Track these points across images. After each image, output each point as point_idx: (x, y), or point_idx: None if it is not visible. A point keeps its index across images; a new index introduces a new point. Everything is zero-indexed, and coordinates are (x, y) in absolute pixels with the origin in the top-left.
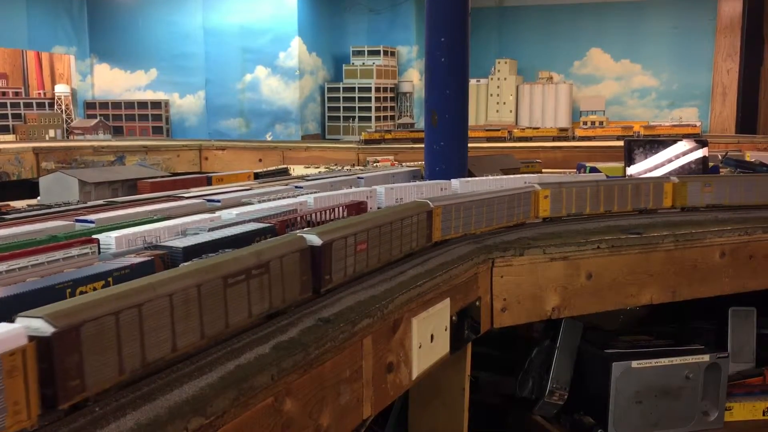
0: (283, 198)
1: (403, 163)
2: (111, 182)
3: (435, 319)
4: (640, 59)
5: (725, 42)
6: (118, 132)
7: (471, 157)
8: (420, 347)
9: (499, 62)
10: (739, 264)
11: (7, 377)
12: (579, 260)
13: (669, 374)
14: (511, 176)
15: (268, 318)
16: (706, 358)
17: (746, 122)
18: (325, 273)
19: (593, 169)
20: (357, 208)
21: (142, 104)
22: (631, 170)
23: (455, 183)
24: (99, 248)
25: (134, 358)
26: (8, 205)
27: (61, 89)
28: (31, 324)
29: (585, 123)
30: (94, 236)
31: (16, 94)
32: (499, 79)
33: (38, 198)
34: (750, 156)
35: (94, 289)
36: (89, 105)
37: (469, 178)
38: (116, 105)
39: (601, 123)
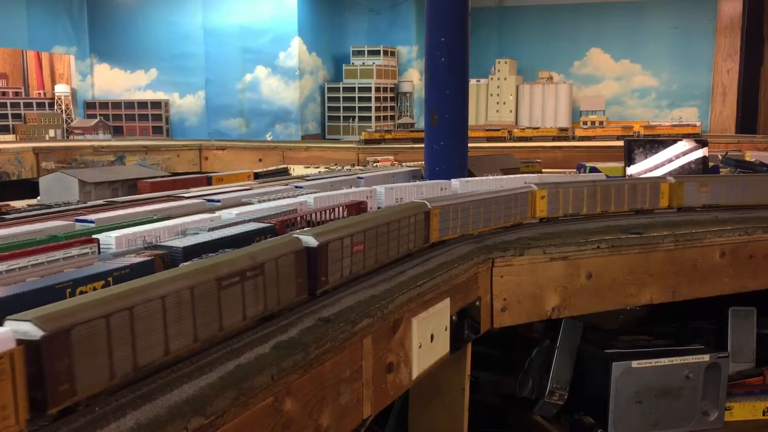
0: (283, 198)
1: (403, 163)
2: (111, 182)
3: (435, 319)
4: (640, 59)
5: (725, 42)
6: (118, 132)
7: (471, 157)
8: (420, 347)
9: (499, 62)
10: (739, 264)
11: None
12: (579, 260)
13: (669, 374)
14: (511, 176)
15: (263, 320)
16: (706, 358)
17: (746, 122)
18: (321, 275)
19: (593, 169)
20: (357, 208)
21: (142, 104)
22: (631, 170)
23: (455, 183)
24: (99, 248)
25: (126, 361)
26: (8, 205)
27: (61, 89)
28: (20, 327)
29: (585, 123)
30: (94, 236)
31: (16, 94)
32: (499, 79)
33: (38, 198)
34: (750, 156)
35: (94, 288)
36: (89, 105)
37: (469, 178)
38: (116, 105)
39: (601, 123)
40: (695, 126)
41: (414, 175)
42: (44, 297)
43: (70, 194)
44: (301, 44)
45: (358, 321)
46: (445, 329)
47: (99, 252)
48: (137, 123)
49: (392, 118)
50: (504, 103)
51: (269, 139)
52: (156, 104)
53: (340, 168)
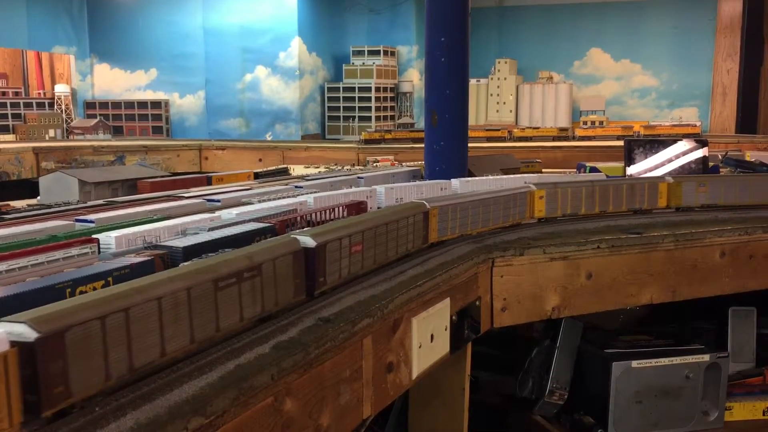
0: (283, 198)
1: (403, 163)
2: (111, 182)
3: (435, 318)
4: (640, 59)
5: (725, 42)
6: (118, 132)
7: (471, 156)
8: (420, 347)
9: (499, 62)
10: (739, 264)
11: None
12: (579, 260)
13: (669, 374)
14: (511, 176)
15: (260, 321)
16: (706, 358)
17: (746, 122)
18: (319, 275)
19: (593, 169)
20: (357, 208)
21: (142, 104)
22: (631, 170)
23: (455, 183)
24: (99, 248)
25: (121, 363)
26: (8, 204)
27: (61, 89)
28: (14, 329)
29: (585, 123)
30: (94, 236)
31: (16, 94)
32: (499, 79)
33: (38, 198)
34: (750, 156)
35: (94, 288)
36: (89, 105)
37: (469, 178)
38: (116, 105)
39: (601, 123)
40: (695, 126)
41: (414, 175)
42: (44, 297)
43: (70, 194)
44: (301, 44)
45: (358, 321)
46: (445, 329)
47: (99, 252)
48: (137, 123)
49: (392, 118)
50: (504, 103)
51: (269, 139)
52: (156, 104)
53: (340, 168)
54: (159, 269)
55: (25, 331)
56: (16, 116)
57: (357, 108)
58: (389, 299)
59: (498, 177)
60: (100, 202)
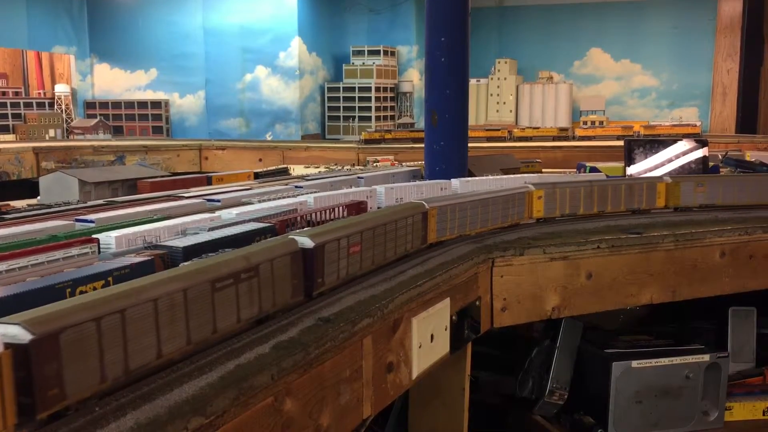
0: (283, 198)
1: (403, 163)
2: (111, 182)
3: (435, 318)
4: (640, 59)
5: (725, 42)
6: (118, 132)
7: (471, 156)
8: (420, 347)
9: (499, 62)
10: (739, 264)
11: None
12: (579, 260)
13: (669, 374)
14: (511, 176)
15: (258, 323)
16: (706, 357)
17: (746, 122)
18: (318, 276)
19: (593, 169)
20: (357, 207)
21: (142, 104)
22: (632, 170)
23: (455, 183)
24: (99, 248)
25: (117, 365)
26: (8, 204)
27: (61, 89)
28: (8, 331)
29: (585, 123)
30: (94, 236)
31: (16, 93)
32: (499, 79)
33: (38, 198)
34: (750, 156)
35: (94, 288)
36: (89, 105)
37: (469, 178)
38: (116, 105)
39: (601, 123)
40: (695, 126)
41: (414, 175)
42: (44, 297)
43: (70, 194)
44: (301, 44)
45: (358, 321)
46: (445, 329)
47: (99, 252)
48: (137, 123)
49: (392, 118)
50: (504, 103)
51: (269, 139)
52: (156, 104)
53: (340, 168)
54: (159, 269)
55: (19, 333)
56: (16, 116)
57: (357, 108)
58: (389, 299)
59: (498, 177)
60: (100, 202)
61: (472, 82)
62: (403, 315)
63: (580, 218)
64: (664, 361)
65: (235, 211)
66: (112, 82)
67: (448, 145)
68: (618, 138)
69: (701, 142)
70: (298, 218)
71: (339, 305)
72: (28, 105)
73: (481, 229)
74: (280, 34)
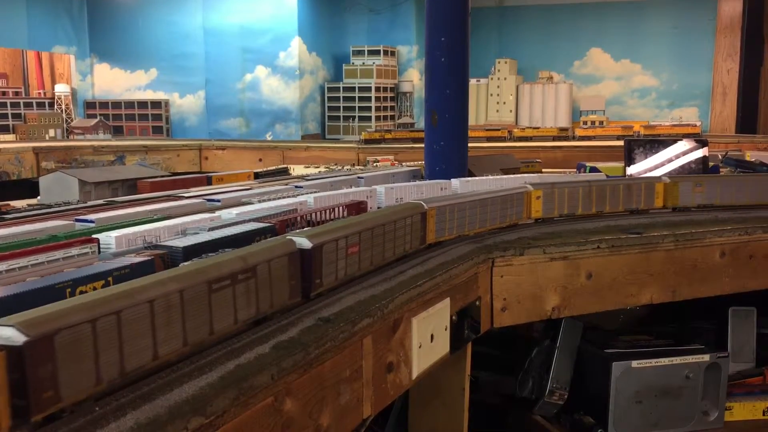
0: (283, 198)
1: (403, 163)
2: (111, 182)
3: (435, 318)
4: (640, 59)
5: (725, 42)
6: (118, 132)
7: (471, 156)
8: (420, 347)
9: (499, 62)
10: (739, 264)
11: None
12: (579, 260)
13: (669, 374)
14: (511, 176)
15: (255, 324)
16: (706, 357)
17: (746, 122)
18: (316, 277)
19: (593, 169)
20: (357, 207)
21: (142, 104)
22: (632, 170)
23: (455, 183)
24: (99, 248)
25: (112, 367)
26: (8, 204)
27: (61, 89)
28: (2, 333)
29: (585, 123)
30: (94, 236)
31: (16, 93)
32: (499, 78)
33: (38, 198)
34: (750, 156)
35: (94, 288)
36: (89, 105)
37: (469, 178)
38: (116, 105)
39: (601, 123)
40: (695, 126)
41: (414, 175)
42: (44, 297)
43: (70, 194)
44: (301, 44)
45: (358, 321)
46: (445, 329)
47: (99, 252)
48: (137, 123)
49: (392, 118)
50: (504, 103)
51: (269, 138)
52: (156, 104)
53: (340, 168)
54: (159, 269)
55: (13, 335)
56: (16, 116)
57: (357, 108)
58: (389, 299)
59: (498, 177)
60: (100, 202)
61: (472, 82)
62: (403, 315)
63: (578, 218)
64: (664, 361)
65: (235, 211)
66: (112, 82)
67: (448, 145)
68: (618, 138)
69: (701, 142)
70: (298, 218)
71: (339, 305)
72: (28, 105)
73: (479, 229)
74: (280, 34)
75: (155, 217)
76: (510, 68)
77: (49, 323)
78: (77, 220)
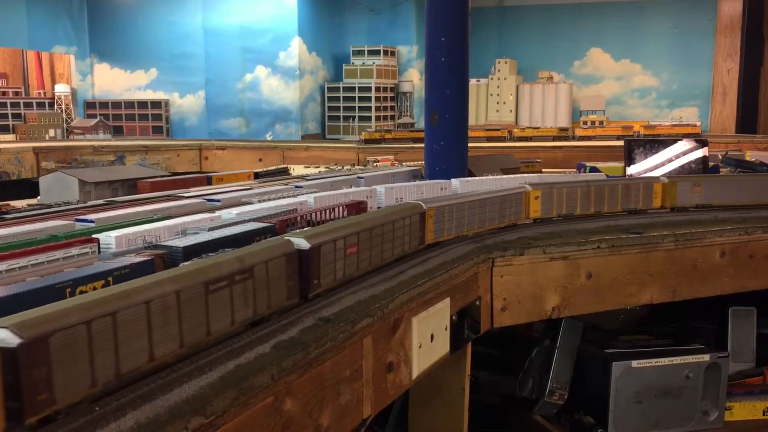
0: (283, 198)
1: (403, 163)
2: (111, 182)
3: (435, 318)
4: (640, 59)
5: (725, 42)
6: (118, 132)
7: (471, 156)
8: (420, 347)
9: (499, 62)
10: (739, 264)
11: None
12: (579, 260)
13: (669, 374)
14: (511, 176)
15: (252, 325)
16: (706, 357)
17: (746, 122)
18: (314, 277)
19: (593, 169)
20: (357, 207)
21: (142, 104)
22: (632, 170)
23: (455, 183)
24: (99, 248)
25: (108, 369)
26: (8, 204)
27: (61, 89)
28: None
29: (585, 123)
30: (94, 236)
31: (16, 93)
32: (499, 78)
33: (38, 197)
34: (750, 156)
35: (94, 288)
36: (89, 105)
37: (469, 178)
38: (116, 105)
39: (601, 123)
40: (695, 126)
41: (414, 175)
42: (44, 297)
43: (70, 194)
44: (301, 44)
45: (358, 320)
46: (445, 329)
47: (99, 252)
48: (137, 123)
49: (392, 117)
50: (504, 103)
51: (269, 138)
52: (156, 104)
53: (340, 168)
54: (159, 269)
55: (7, 337)
56: (16, 116)
57: (357, 108)
58: (389, 299)
59: (498, 177)
60: (100, 201)
61: (472, 82)
62: (403, 315)
63: (577, 218)
64: (664, 361)
65: (235, 211)
66: (112, 82)
67: (448, 145)
68: (618, 138)
69: (701, 142)
70: (298, 218)
71: (339, 305)
72: (28, 105)
73: (478, 229)
74: (280, 34)
75: (155, 217)
76: (510, 68)
77: (43, 325)
78: (77, 220)
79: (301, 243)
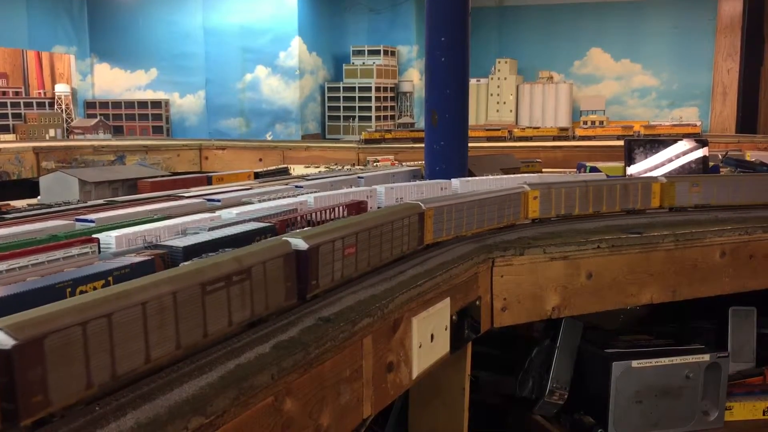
0: (284, 197)
1: (403, 163)
2: (111, 182)
3: (435, 318)
4: (640, 59)
5: (725, 42)
6: (118, 131)
7: (471, 156)
8: (420, 347)
9: (499, 62)
10: (739, 264)
11: None
12: (579, 260)
13: (669, 374)
14: (511, 176)
15: (250, 326)
16: (706, 357)
17: (746, 122)
18: (312, 278)
19: (593, 169)
20: (357, 207)
21: (142, 104)
22: (632, 170)
23: (455, 182)
24: (99, 247)
25: (103, 370)
26: (8, 204)
27: (61, 89)
28: None
29: (585, 122)
30: (94, 235)
31: (17, 93)
32: (499, 78)
33: (38, 197)
34: (750, 155)
35: (95, 288)
36: (89, 104)
37: (470, 178)
38: (116, 104)
39: (601, 122)
40: (695, 126)
41: (414, 175)
42: (44, 297)
43: (70, 194)
44: (301, 44)
45: (358, 320)
46: (445, 329)
47: (99, 251)
48: (137, 123)
49: (392, 117)
50: (504, 102)
51: (269, 138)
52: (156, 104)
53: (340, 168)
54: (159, 269)
55: (1, 339)
56: (16, 116)
57: (357, 108)
58: (389, 299)
59: (498, 177)
60: (100, 201)
61: (472, 82)
62: (403, 315)
63: (576, 218)
64: (664, 361)
65: (235, 210)
66: (112, 81)
67: (448, 145)
68: (618, 138)
69: (701, 142)
70: (298, 218)
71: (339, 305)
72: (28, 105)
73: (477, 229)
74: (280, 34)
75: (155, 216)
76: (510, 68)
77: (38, 326)
78: (77, 220)
79: (299, 243)
